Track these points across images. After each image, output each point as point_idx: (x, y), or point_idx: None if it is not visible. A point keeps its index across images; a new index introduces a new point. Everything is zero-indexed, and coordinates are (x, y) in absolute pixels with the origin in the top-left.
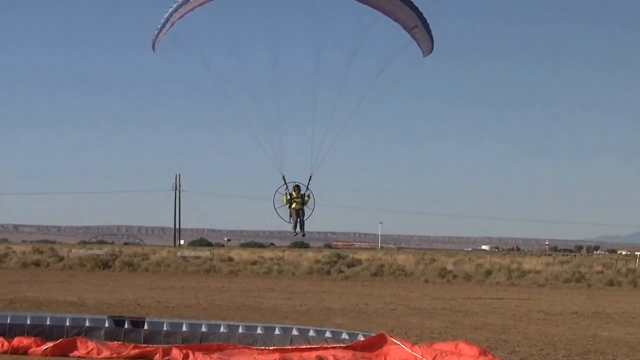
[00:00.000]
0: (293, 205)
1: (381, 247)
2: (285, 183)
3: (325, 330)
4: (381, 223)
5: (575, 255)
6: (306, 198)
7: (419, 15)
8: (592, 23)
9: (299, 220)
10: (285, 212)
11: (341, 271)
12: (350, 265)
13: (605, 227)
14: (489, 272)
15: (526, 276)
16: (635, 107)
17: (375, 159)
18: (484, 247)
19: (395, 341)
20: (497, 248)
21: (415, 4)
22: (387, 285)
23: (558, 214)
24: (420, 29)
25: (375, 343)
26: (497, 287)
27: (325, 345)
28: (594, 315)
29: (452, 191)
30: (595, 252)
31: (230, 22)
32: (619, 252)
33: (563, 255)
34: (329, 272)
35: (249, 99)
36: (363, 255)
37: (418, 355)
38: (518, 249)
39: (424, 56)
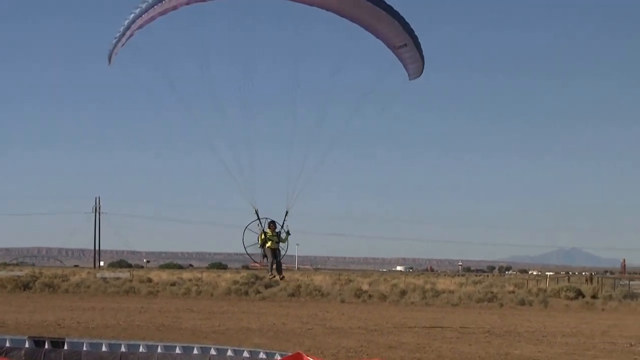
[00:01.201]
0: (268, 244)
1: (298, 268)
2: (259, 218)
3: (243, 350)
4: (298, 245)
5: (488, 276)
6: (283, 236)
7: (410, 32)
8: None
9: (274, 261)
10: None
11: (259, 292)
12: (268, 286)
13: (517, 248)
14: (403, 292)
15: (440, 296)
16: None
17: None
18: (398, 267)
19: None
20: (412, 269)
21: (407, 20)
22: (304, 305)
23: (471, 236)
24: (411, 47)
25: None
26: (412, 307)
27: None
28: (505, 333)
29: (367, 213)
30: (507, 273)
31: (194, 34)
32: (530, 272)
33: (476, 275)
34: (246, 293)
35: (217, 121)
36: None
37: None
38: (432, 270)
39: (410, 79)
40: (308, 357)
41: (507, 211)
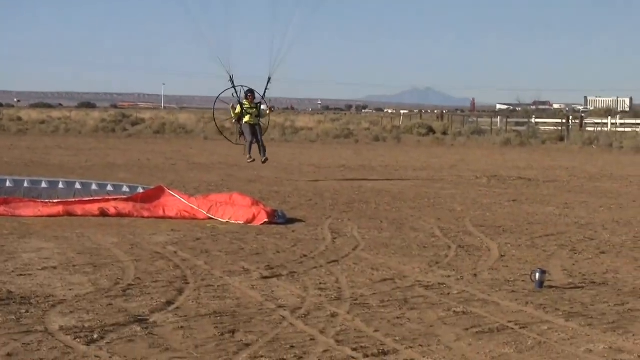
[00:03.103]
0: (246, 119)
1: (164, 107)
2: (234, 86)
3: (107, 184)
4: (164, 84)
5: (346, 114)
6: (264, 109)
7: None
8: None
9: (254, 140)
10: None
11: (125, 129)
12: (134, 124)
13: (374, 88)
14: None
15: (299, 133)
16: None
17: None
18: (262, 107)
19: (173, 193)
20: (274, 107)
21: None
22: (168, 142)
23: (330, 75)
24: None
25: (154, 195)
26: (272, 144)
27: (107, 198)
28: (360, 167)
29: (235, 53)
30: (363, 111)
31: None
32: (385, 110)
33: (334, 113)
34: (113, 131)
35: None
36: (147, 115)
37: (194, 206)
38: (293, 109)
39: None
40: (169, 190)
41: (365, 52)
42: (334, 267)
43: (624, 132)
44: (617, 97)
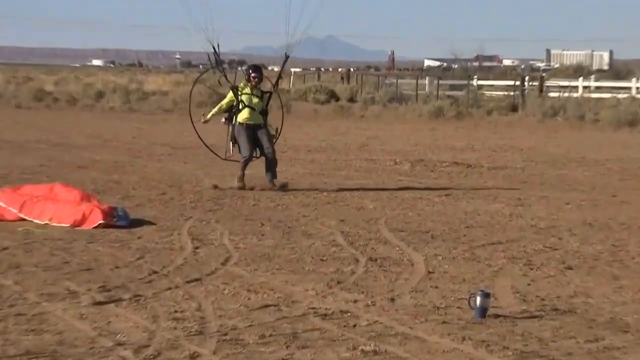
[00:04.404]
0: (243, 116)
1: None
2: (218, 58)
3: None
4: None
5: (215, 72)
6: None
7: None
8: None
9: (256, 154)
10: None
11: None
12: None
13: (254, 36)
14: (101, 95)
15: (148, 99)
16: None
17: None
18: (95, 62)
19: None
20: (114, 63)
21: None
22: None
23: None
24: None
25: None
26: (111, 114)
27: None
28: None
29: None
30: (240, 69)
31: None
32: (270, 68)
33: (200, 72)
34: None
35: None
36: None
37: (1, 204)
38: (140, 65)
39: None
40: None
41: None
42: (195, 289)
43: (600, 98)
44: (592, 51)
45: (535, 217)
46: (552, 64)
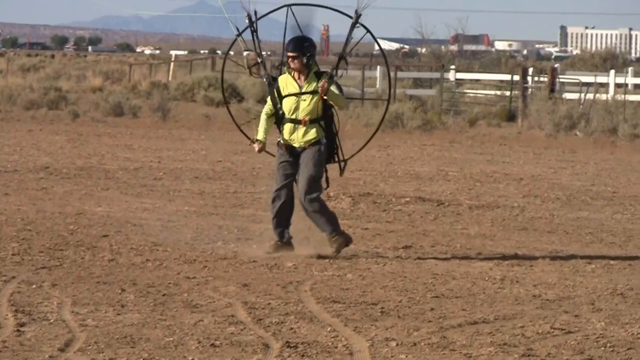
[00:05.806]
0: (283, 134)
1: None
2: (252, 24)
3: None
4: None
5: (54, 56)
6: (334, 91)
7: None
8: None
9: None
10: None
11: None
12: None
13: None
14: None
15: None
16: None
17: None
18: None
19: None
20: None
21: None
22: None
23: None
24: None
25: None
26: None
27: None
28: (89, 169)
29: None
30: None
31: None
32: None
33: (30, 56)
34: None
35: None
36: None
37: None
38: None
39: None
40: None
41: None
42: None
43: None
44: (630, 30)
45: (540, 282)
46: (569, 48)
